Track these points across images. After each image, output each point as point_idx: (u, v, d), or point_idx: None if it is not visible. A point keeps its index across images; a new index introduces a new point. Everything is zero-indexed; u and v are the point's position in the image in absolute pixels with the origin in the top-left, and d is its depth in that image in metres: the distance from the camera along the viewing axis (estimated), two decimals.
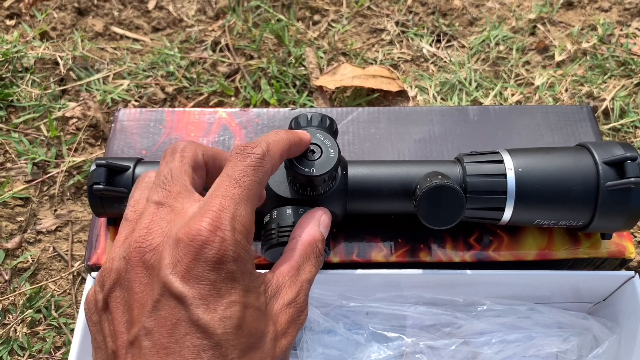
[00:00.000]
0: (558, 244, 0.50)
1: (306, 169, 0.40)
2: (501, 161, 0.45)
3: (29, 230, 0.68)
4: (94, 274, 0.48)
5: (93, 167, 0.46)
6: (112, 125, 0.57)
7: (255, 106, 0.77)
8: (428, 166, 0.46)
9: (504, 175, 0.44)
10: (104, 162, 0.46)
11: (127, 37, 0.86)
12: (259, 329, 0.30)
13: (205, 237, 0.28)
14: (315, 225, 0.38)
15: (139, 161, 0.48)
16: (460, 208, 0.43)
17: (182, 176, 0.33)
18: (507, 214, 0.45)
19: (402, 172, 0.46)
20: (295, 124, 0.43)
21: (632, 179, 0.42)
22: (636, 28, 0.87)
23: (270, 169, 0.34)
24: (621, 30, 0.86)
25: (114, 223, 0.49)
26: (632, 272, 0.49)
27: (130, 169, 0.46)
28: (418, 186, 0.44)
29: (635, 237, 0.67)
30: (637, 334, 0.48)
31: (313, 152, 0.41)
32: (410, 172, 0.45)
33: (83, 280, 0.64)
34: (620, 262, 0.51)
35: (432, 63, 0.83)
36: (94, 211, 0.47)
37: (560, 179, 0.44)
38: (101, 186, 0.45)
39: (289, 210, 0.42)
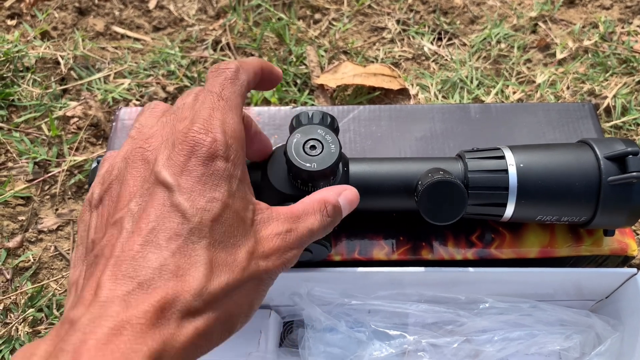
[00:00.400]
0: (560, 242, 0.50)
1: (307, 164, 0.40)
2: (502, 157, 0.45)
3: (30, 230, 0.68)
4: None
5: (94, 165, 0.46)
6: (113, 124, 0.57)
7: (256, 105, 0.77)
8: (429, 163, 0.46)
9: (506, 171, 0.44)
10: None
11: (128, 37, 0.86)
12: (235, 235, 0.31)
13: (198, 138, 0.30)
14: (332, 191, 0.38)
15: None
16: (462, 203, 0.43)
17: (192, 109, 0.35)
18: (509, 210, 0.44)
19: (404, 169, 0.46)
20: (296, 122, 0.43)
21: (634, 174, 0.42)
22: (638, 26, 0.87)
23: (246, 81, 0.35)
24: (622, 28, 0.86)
25: None
26: (634, 270, 0.48)
27: None
28: (419, 182, 0.44)
29: (638, 234, 0.67)
30: (639, 331, 0.48)
31: (314, 147, 0.41)
32: (411, 169, 0.45)
33: None
34: (622, 260, 0.51)
35: (433, 61, 0.83)
36: None
37: (561, 174, 0.44)
38: None
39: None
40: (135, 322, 0.26)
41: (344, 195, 0.39)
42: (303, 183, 0.42)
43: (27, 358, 0.26)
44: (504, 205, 0.44)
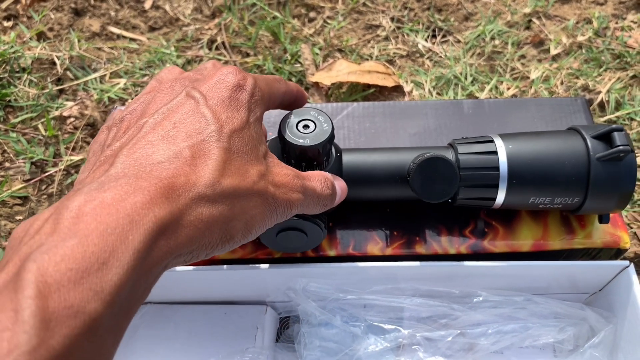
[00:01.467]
0: (553, 235, 0.50)
1: (300, 140, 0.41)
2: (492, 141, 0.46)
3: None
4: None
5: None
6: None
7: None
8: (421, 151, 0.46)
9: (495, 152, 0.45)
10: None
11: (124, 37, 0.87)
12: (249, 155, 0.32)
13: (230, 71, 0.33)
14: (328, 174, 0.40)
15: None
16: (453, 179, 0.43)
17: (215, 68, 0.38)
18: (501, 193, 0.45)
19: (396, 157, 0.46)
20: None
21: (621, 147, 0.43)
22: (631, 21, 0.87)
23: (284, 89, 0.40)
24: (616, 23, 0.86)
25: None
26: (626, 262, 0.49)
27: None
28: (411, 163, 0.44)
29: (631, 227, 0.67)
30: (633, 323, 0.48)
31: (307, 126, 0.42)
32: (403, 157, 0.46)
33: None
34: (615, 253, 0.52)
35: (427, 58, 0.83)
36: None
37: (551, 154, 0.45)
38: None
39: None
40: (145, 189, 0.25)
41: (338, 182, 0.41)
42: (297, 163, 0.43)
43: (30, 224, 0.25)
44: (496, 187, 0.45)
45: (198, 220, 0.27)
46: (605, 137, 0.45)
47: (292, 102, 0.42)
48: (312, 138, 0.41)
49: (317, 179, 0.38)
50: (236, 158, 0.31)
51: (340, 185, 0.41)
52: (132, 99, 0.77)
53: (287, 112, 0.44)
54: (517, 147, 0.45)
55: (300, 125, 0.42)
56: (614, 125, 0.44)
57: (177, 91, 0.34)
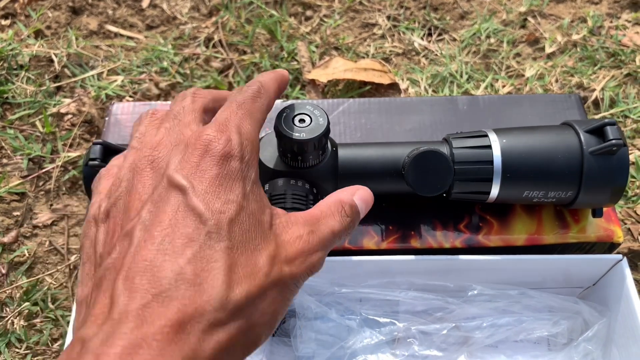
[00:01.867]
0: (547, 229, 0.51)
1: (296, 134, 0.41)
2: (486, 135, 0.46)
3: (25, 225, 0.68)
4: None
5: (86, 160, 0.47)
6: (106, 119, 0.58)
7: None
8: (416, 145, 0.46)
9: (489, 146, 0.45)
10: (100, 141, 0.47)
11: (122, 35, 0.87)
12: (254, 238, 0.28)
13: (212, 137, 0.29)
14: (346, 191, 0.36)
15: None
16: (448, 173, 0.44)
17: (193, 113, 0.34)
18: (495, 187, 0.45)
19: (391, 151, 0.47)
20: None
21: (614, 141, 0.43)
22: (626, 20, 0.88)
23: (267, 102, 0.34)
24: (611, 22, 0.87)
25: None
26: (620, 256, 0.49)
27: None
28: (406, 157, 0.45)
29: (625, 223, 0.67)
30: (626, 316, 0.48)
31: (303, 120, 0.42)
32: (398, 151, 0.46)
33: None
34: (609, 247, 0.52)
35: (423, 56, 0.84)
36: (89, 193, 0.48)
37: (544, 148, 0.45)
38: (97, 162, 0.45)
39: (280, 181, 0.43)
40: (151, 340, 0.24)
41: (359, 195, 0.37)
42: (293, 157, 0.43)
43: None
44: (490, 181, 0.45)
45: (216, 352, 0.25)
46: (598, 132, 0.45)
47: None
48: (307, 132, 0.42)
49: (333, 212, 0.34)
50: (241, 254, 0.28)
51: (362, 196, 0.36)
52: (129, 96, 0.77)
53: (284, 104, 0.44)
54: (511, 141, 0.46)
55: (296, 119, 0.43)
56: (606, 120, 0.45)
57: (158, 172, 0.30)
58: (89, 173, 0.47)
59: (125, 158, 0.33)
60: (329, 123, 0.43)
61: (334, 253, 0.50)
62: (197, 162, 0.29)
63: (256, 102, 0.33)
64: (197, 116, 0.34)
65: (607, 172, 0.45)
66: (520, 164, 0.45)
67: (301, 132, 0.42)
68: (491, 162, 0.45)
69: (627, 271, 0.49)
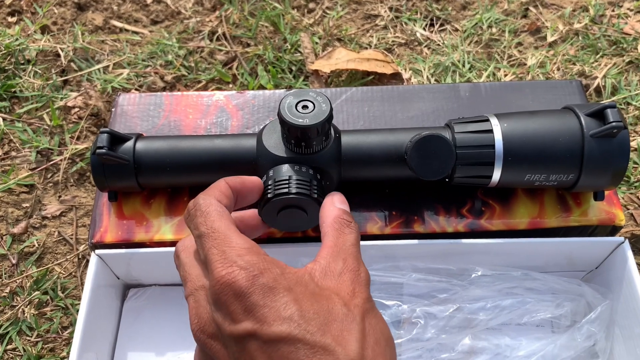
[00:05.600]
0: (549, 213, 0.51)
1: (300, 120, 0.42)
2: (487, 120, 0.46)
3: (34, 216, 0.69)
4: (98, 251, 0.50)
5: (93, 152, 0.47)
6: (113, 109, 0.58)
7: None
8: (418, 131, 0.47)
9: (491, 130, 0.46)
10: (107, 129, 0.47)
11: (126, 30, 0.88)
12: (322, 307, 0.31)
13: (226, 280, 0.31)
14: (330, 205, 0.41)
15: (139, 136, 0.50)
16: (450, 157, 0.44)
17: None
18: (497, 171, 0.46)
19: (394, 137, 0.47)
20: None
21: (614, 124, 0.44)
22: (628, 9, 0.88)
23: (215, 200, 0.37)
24: (613, 11, 0.87)
25: (115, 198, 0.51)
26: (622, 238, 0.50)
27: (132, 140, 0.48)
28: (409, 142, 0.45)
29: (628, 209, 0.68)
30: (628, 298, 0.49)
31: (306, 107, 0.43)
32: (401, 137, 0.47)
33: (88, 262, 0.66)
34: (611, 230, 0.52)
35: (425, 46, 0.84)
36: (96, 182, 0.48)
37: (545, 132, 0.46)
38: (104, 150, 0.46)
39: (284, 167, 0.44)
40: None
41: (336, 201, 0.42)
42: (297, 143, 0.44)
43: None
44: (492, 164, 0.46)
45: None
46: (599, 115, 0.46)
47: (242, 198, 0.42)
48: (311, 118, 0.43)
49: (340, 230, 0.38)
50: (333, 330, 0.31)
51: (339, 199, 0.42)
52: (135, 89, 0.78)
53: (287, 93, 0.45)
54: (512, 125, 0.46)
55: (300, 105, 0.43)
56: (607, 102, 0.45)
57: (220, 335, 0.32)
58: (97, 161, 0.47)
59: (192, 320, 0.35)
60: (331, 109, 0.43)
61: None
62: (234, 309, 0.31)
63: (208, 216, 0.35)
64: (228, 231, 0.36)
65: (608, 154, 0.45)
66: (521, 147, 0.46)
67: (304, 118, 0.42)
68: (493, 146, 0.45)
69: (629, 253, 0.49)
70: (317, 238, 0.50)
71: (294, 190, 0.43)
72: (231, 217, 0.36)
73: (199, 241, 0.35)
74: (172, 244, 0.50)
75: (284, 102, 0.44)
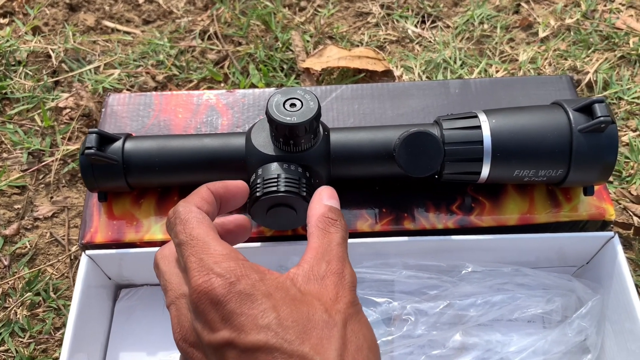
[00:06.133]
0: (539, 208, 0.51)
1: (287, 118, 0.42)
2: (475, 116, 0.47)
3: (26, 217, 0.69)
4: (89, 252, 0.50)
5: (82, 153, 0.47)
6: (103, 110, 0.58)
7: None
8: (407, 128, 0.47)
9: (479, 127, 0.46)
10: (96, 130, 0.47)
11: (118, 30, 0.88)
12: (302, 314, 0.30)
13: (203, 288, 0.31)
14: (317, 202, 0.39)
15: (128, 135, 0.50)
16: (438, 154, 0.44)
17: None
18: (486, 167, 0.46)
19: (383, 134, 0.47)
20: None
21: (602, 118, 0.44)
22: (620, 3, 0.88)
23: (195, 207, 0.36)
24: (605, 6, 0.87)
25: (105, 199, 0.50)
26: (611, 233, 0.50)
27: (121, 140, 0.48)
28: (397, 139, 0.45)
29: (620, 204, 0.68)
30: (619, 292, 0.49)
31: (294, 105, 0.43)
32: (390, 134, 0.47)
33: None
34: (601, 225, 0.53)
35: (417, 43, 0.84)
36: (86, 183, 0.48)
37: (533, 127, 0.46)
38: (93, 150, 0.46)
39: (273, 166, 0.44)
40: None
41: (325, 196, 0.40)
42: (285, 141, 0.44)
43: None
44: (480, 160, 0.46)
45: None
46: (587, 109, 0.46)
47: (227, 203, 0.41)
48: (298, 116, 0.43)
49: (325, 230, 0.37)
50: (304, 343, 0.30)
51: (328, 194, 0.40)
52: (126, 89, 0.78)
53: (275, 91, 0.45)
54: (501, 121, 0.46)
55: (287, 103, 0.43)
56: (594, 97, 0.45)
57: (202, 343, 0.32)
58: (86, 162, 0.47)
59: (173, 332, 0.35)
60: (319, 107, 0.43)
61: None
62: (211, 316, 0.31)
63: (187, 223, 0.35)
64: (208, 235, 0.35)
65: (596, 149, 0.45)
66: (509, 143, 0.46)
67: (292, 116, 0.42)
68: (481, 142, 0.45)
69: (619, 248, 0.49)
70: (307, 236, 0.50)
71: (282, 189, 0.43)
72: (211, 224, 0.35)
73: (179, 249, 0.34)
74: (163, 243, 0.50)
75: (271, 100, 0.44)
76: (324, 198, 0.39)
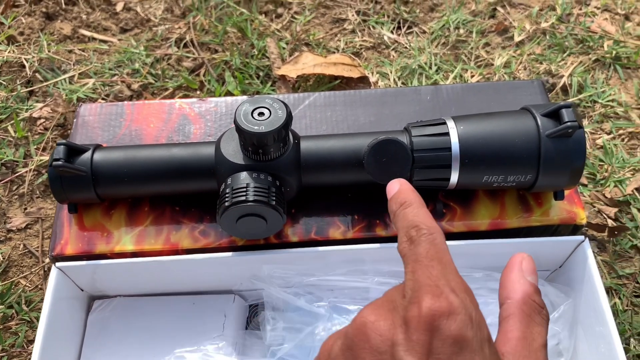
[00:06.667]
0: (510, 213, 0.51)
1: (255, 127, 0.42)
2: (444, 123, 0.47)
3: None
4: (59, 264, 0.49)
5: (51, 164, 0.47)
6: (74, 120, 0.58)
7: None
8: (377, 135, 0.47)
9: (447, 133, 0.46)
10: (64, 141, 0.47)
11: (95, 39, 0.87)
12: None
13: (436, 308, 0.26)
14: (519, 276, 0.33)
15: (98, 146, 0.49)
16: (406, 161, 0.44)
17: None
18: (455, 173, 0.46)
19: (352, 142, 0.47)
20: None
21: (569, 124, 0.44)
22: (595, 7, 0.89)
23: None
24: (580, 9, 0.88)
25: (75, 210, 0.50)
26: (582, 237, 0.50)
27: (90, 151, 0.48)
28: (366, 147, 0.45)
29: (594, 206, 0.68)
30: (590, 296, 0.49)
31: (262, 114, 0.43)
32: (360, 142, 0.47)
33: None
34: (572, 229, 0.53)
35: (393, 49, 0.84)
36: (55, 195, 0.48)
37: (501, 133, 0.46)
38: (60, 162, 0.46)
39: (242, 175, 0.44)
40: None
41: (526, 269, 0.34)
42: (254, 150, 0.44)
43: None
44: (449, 167, 0.46)
45: None
46: (555, 115, 0.46)
47: None
48: (266, 125, 0.42)
49: (533, 316, 0.32)
50: None
51: (530, 270, 0.34)
52: (101, 99, 0.77)
53: (243, 100, 0.45)
54: (469, 127, 0.46)
55: (256, 112, 0.43)
56: (562, 102, 0.46)
57: (386, 356, 0.27)
58: (54, 174, 0.47)
59: None
60: (288, 115, 0.43)
61: (302, 245, 0.50)
62: (429, 342, 0.26)
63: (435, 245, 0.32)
64: None
65: (565, 154, 0.45)
66: (477, 149, 0.46)
67: (260, 125, 0.42)
68: (449, 148, 0.46)
69: (589, 252, 0.50)
70: (279, 245, 0.50)
71: (251, 198, 0.43)
72: None
73: (415, 265, 0.30)
74: (133, 254, 0.50)
75: (240, 109, 0.43)
76: (526, 272, 0.34)
